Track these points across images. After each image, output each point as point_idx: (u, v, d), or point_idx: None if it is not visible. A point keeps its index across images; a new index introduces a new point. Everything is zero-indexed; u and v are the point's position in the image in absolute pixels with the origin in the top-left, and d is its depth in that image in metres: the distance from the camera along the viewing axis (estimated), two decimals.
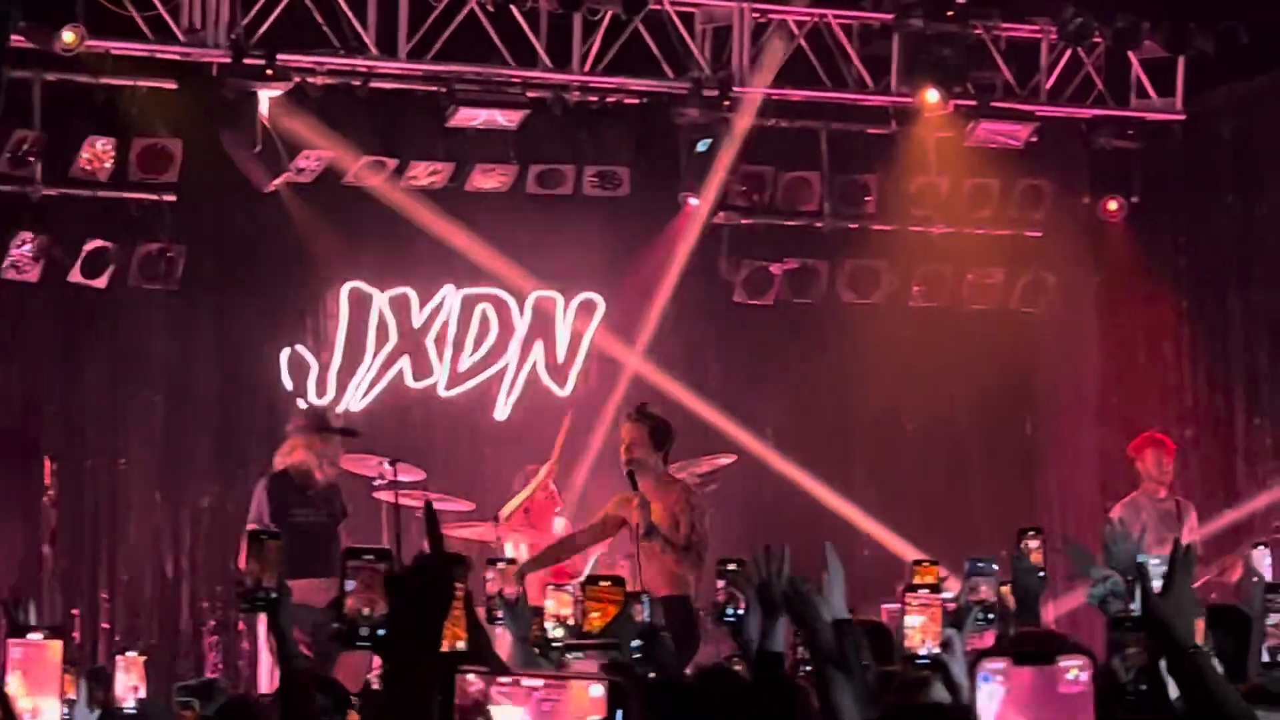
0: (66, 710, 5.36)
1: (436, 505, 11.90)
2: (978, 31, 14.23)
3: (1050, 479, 15.20)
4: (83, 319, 13.13)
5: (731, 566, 5.97)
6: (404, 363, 13.76)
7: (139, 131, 12.80)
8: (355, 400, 13.53)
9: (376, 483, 12.25)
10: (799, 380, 14.57)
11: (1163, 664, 4.31)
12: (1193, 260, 14.99)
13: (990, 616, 5.81)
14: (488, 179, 13.67)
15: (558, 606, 6.39)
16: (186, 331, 13.43)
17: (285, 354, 13.46)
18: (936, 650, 5.04)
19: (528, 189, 13.77)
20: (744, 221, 14.44)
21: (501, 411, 13.97)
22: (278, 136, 12.91)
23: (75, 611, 12.79)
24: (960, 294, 14.76)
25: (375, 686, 8.51)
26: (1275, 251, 14.33)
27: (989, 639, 5.81)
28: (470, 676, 3.34)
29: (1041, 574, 6.13)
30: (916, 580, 5.90)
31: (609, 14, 13.43)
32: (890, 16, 14.03)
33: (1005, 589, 6.15)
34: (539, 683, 3.22)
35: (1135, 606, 5.02)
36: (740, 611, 5.84)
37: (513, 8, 13.32)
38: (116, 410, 13.27)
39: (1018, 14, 14.43)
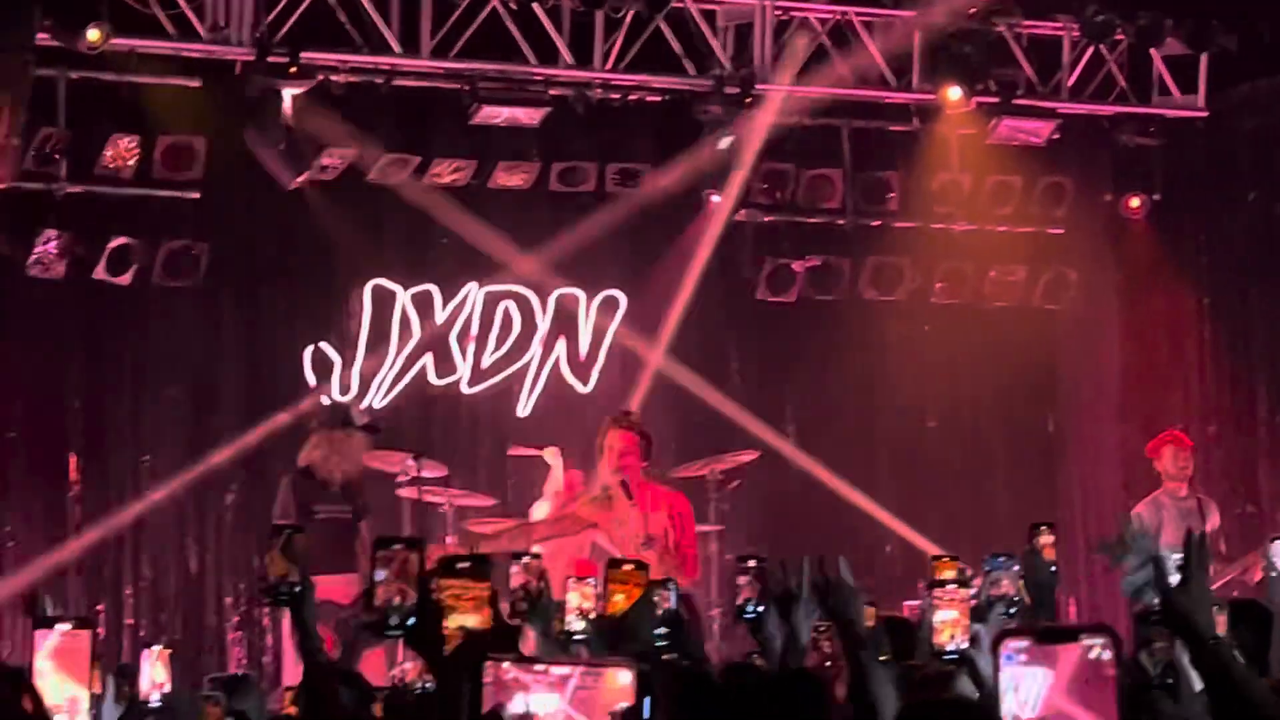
0: (94, 705, 5.38)
1: (459, 502, 11.79)
2: (1000, 29, 14.23)
3: (1072, 476, 15.20)
4: (107, 316, 13.17)
5: (751, 564, 5.98)
6: (427, 360, 13.79)
7: (163, 129, 12.84)
8: (378, 397, 13.56)
9: (400, 479, 12.28)
10: (821, 377, 14.58)
11: (1185, 658, 4.32)
12: (1214, 257, 14.97)
13: (1013, 611, 5.82)
14: (510, 177, 13.69)
15: (580, 600, 6.40)
16: (210, 329, 13.47)
17: (309, 351, 13.49)
18: (965, 646, 5.05)
19: (550, 186, 13.80)
20: (766, 219, 14.45)
21: (524, 408, 14.00)
22: (301, 134, 12.94)
23: (100, 607, 12.86)
24: (982, 291, 14.76)
25: (400, 682, 8.55)
26: None
27: None
28: (505, 665, 3.37)
29: (1054, 568, 6.14)
30: (939, 576, 5.92)
31: (631, 11, 13.44)
32: (912, 14, 14.03)
33: (1023, 584, 6.16)
34: (571, 670, 3.25)
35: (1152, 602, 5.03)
36: (760, 609, 5.87)
37: (535, 6, 13.35)
38: (141, 406, 13.32)
39: (1040, 11, 14.43)
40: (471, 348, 13.91)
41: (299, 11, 12.88)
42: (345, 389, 13.45)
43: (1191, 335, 14.99)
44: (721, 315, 14.53)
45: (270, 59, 12.72)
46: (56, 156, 12.63)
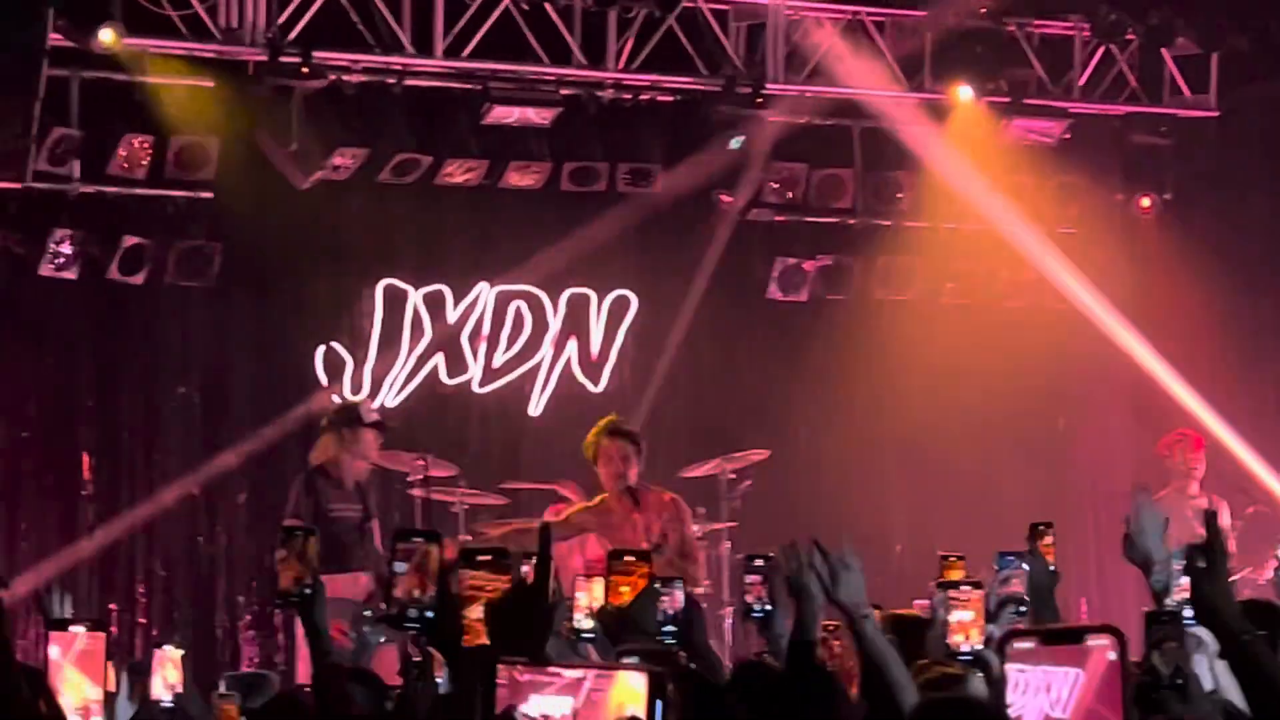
0: (108, 704, 5.41)
1: (470, 501, 11.78)
2: (1011, 29, 14.23)
3: (1083, 476, 15.18)
4: (120, 316, 13.20)
5: (759, 563, 6.00)
6: (438, 359, 13.81)
7: (176, 129, 12.85)
8: (390, 397, 13.58)
9: (411, 478, 12.30)
10: (832, 376, 14.57)
11: (1194, 658, 4.32)
12: (1226, 257, 14.95)
13: (1023, 610, 5.84)
14: (522, 176, 13.70)
15: (589, 599, 6.42)
16: (223, 328, 13.48)
17: (320, 351, 13.52)
18: (980, 646, 5.05)
19: (562, 186, 13.80)
20: (777, 218, 14.46)
21: (535, 408, 14.01)
22: (313, 134, 12.96)
23: (112, 606, 12.88)
24: (993, 291, 14.76)
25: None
26: None
27: None
28: (518, 667, 3.38)
29: (1053, 569, 6.16)
30: (946, 575, 5.93)
31: (643, 11, 13.46)
32: (924, 14, 14.04)
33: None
34: (584, 673, 3.26)
35: (1169, 601, 5.04)
36: (768, 608, 5.88)
37: (547, 6, 13.37)
38: (153, 406, 13.34)
39: (1051, 11, 14.43)
40: (483, 347, 13.93)
41: (311, 12, 12.91)
42: (357, 389, 13.47)
43: (1202, 334, 14.97)
44: (732, 315, 14.54)
45: (283, 59, 12.75)
46: (69, 157, 12.65)
